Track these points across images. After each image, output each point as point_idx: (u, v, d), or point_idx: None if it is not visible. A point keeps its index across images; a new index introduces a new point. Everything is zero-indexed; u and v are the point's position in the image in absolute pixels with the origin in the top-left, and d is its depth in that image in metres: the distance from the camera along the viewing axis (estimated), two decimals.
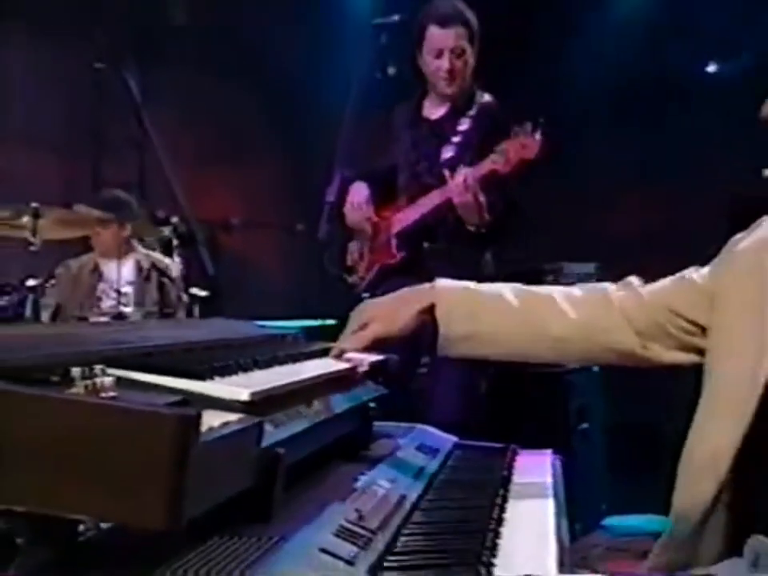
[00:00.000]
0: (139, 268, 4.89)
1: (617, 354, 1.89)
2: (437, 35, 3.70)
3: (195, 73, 6.32)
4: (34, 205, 4.40)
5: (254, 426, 1.21)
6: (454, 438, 2.16)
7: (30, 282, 4.44)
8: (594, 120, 6.36)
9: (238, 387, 1.29)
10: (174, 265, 4.86)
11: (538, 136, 3.37)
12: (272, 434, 1.28)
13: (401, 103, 3.98)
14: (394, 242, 3.71)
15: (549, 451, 2.11)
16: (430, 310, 1.91)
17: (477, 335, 1.92)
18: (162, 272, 4.84)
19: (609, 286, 1.93)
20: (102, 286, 4.87)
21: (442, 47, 3.69)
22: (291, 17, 6.58)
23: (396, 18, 3.84)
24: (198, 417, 1.03)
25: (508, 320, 1.93)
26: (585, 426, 4.40)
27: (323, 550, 1.18)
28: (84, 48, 5.59)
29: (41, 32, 5.92)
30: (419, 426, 2.14)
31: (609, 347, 1.89)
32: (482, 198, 3.44)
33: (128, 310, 4.71)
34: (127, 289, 4.80)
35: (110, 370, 1.21)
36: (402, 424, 2.11)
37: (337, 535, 1.25)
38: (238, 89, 6.53)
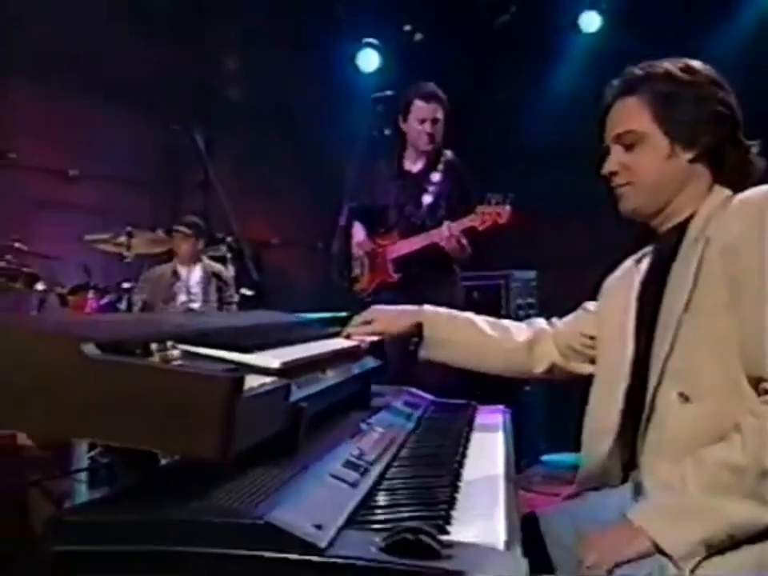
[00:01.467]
0: (205, 273, 4.90)
1: (549, 368, 1.92)
2: (422, 107, 3.66)
3: (244, 132, 6.31)
4: (128, 229, 4.43)
5: (283, 387, 1.21)
6: (431, 397, 2.16)
7: (125, 285, 4.46)
8: (540, 162, 6.25)
9: (272, 358, 1.28)
10: (228, 272, 4.88)
11: (507, 207, 3.34)
12: (297, 393, 1.27)
13: (383, 158, 3.92)
14: (390, 266, 3.67)
15: (501, 406, 2.11)
16: (418, 325, 1.96)
17: (448, 353, 1.98)
18: (220, 277, 4.86)
19: (543, 322, 1.96)
20: (178, 285, 4.87)
21: (426, 117, 3.65)
22: (314, 91, 6.58)
23: (389, 93, 3.80)
24: (242, 379, 1.03)
25: (472, 341, 1.96)
26: (528, 387, 4.41)
27: (333, 476, 1.18)
28: (166, 114, 5.57)
29: (134, 103, 5.90)
30: (405, 388, 2.13)
31: (544, 361, 1.92)
32: (464, 241, 3.44)
33: (196, 305, 4.72)
34: (196, 289, 4.82)
35: (179, 345, 1.20)
36: (393, 387, 2.11)
37: (344, 465, 1.24)
38: (274, 142, 6.51)
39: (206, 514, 0.97)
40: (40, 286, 4.30)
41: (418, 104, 3.68)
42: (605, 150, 1.63)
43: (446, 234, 3.40)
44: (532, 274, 4.82)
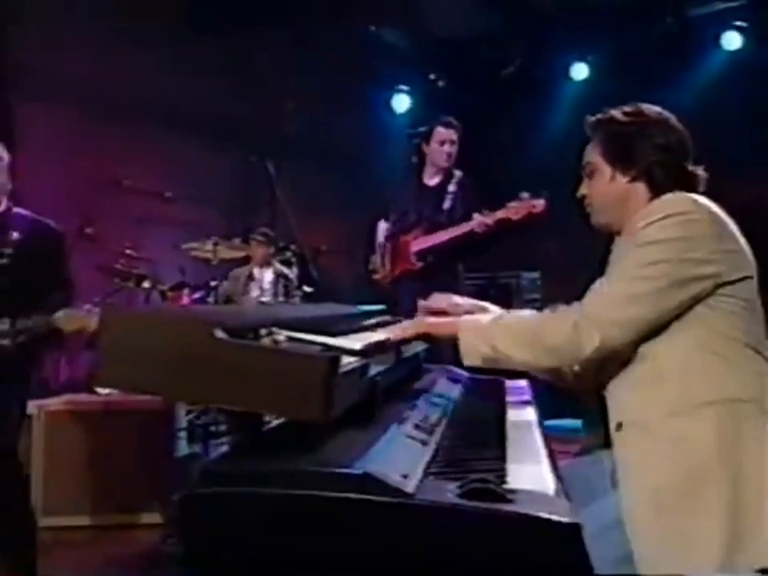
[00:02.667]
0: (274, 274, 4.90)
1: None
2: (442, 132, 3.64)
3: (301, 161, 6.30)
4: (214, 239, 4.45)
5: (364, 365, 1.21)
6: (466, 373, 2.14)
7: (212, 283, 4.47)
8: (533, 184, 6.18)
9: (354, 341, 1.28)
10: (291, 273, 4.88)
11: (542, 200, 3.27)
12: (373, 369, 1.27)
13: (406, 178, 3.88)
14: (413, 256, 3.59)
15: (523, 381, 2.09)
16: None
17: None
18: (286, 277, 4.85)
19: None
20: (252, 283, 4.87)
21: (445, 139, 3.63)
22: (356, 128, 6.59)
23: (422, 129, 3.77)
24: (338, 358, 1.04)
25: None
26: None
27: (408, 436, 1.18)
28: (241, 147, 5.62)
29: (215, 138, 5.96)
30: (445, 366, 2.12)
31: None
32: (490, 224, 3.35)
33: (266, 298, 4.72)
34: (267, 286, 4.81)
35: (281, 331, 1.20)
36: (435, 365, 2.09)
37: (414, 428, 1.24)
38: (324, 169, 6.53)
39: (317, 465, 0.97)
40: (146, 285, 4.34)
41: (440, 129, 3.66)
42: (579, 179, 1.68)
43: (478, 221, 3.32)
44: (537, 274, 4.79)
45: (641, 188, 1.56)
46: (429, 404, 1.47)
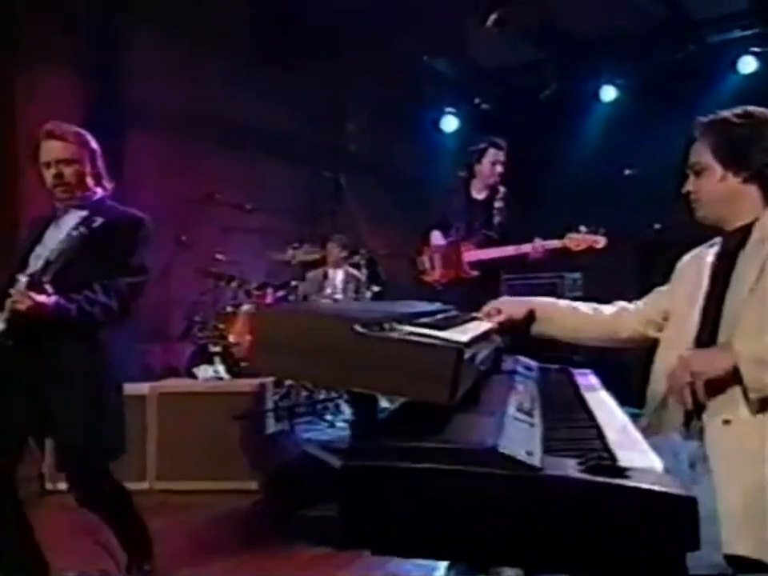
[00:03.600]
0: (345, 275, 4.93)
1: (631, 335, 1.81)
2: (494, 152, 3.63)
3: (361, 175, 6.28)
4: (294, 244, 4.50)
5: (473, 355, 1.19)
6: (535, 362, 2.11)
7: (293, 283, 4.52)
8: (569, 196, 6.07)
9: (460, 334, 1.26)
10: (360, 274, 4.90)
11: (602, 237, 3.27)
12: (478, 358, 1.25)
13: (454, 190, 3.84)
14: (467, 266, 3.56)
15: (588, 370, 2.04)
16: (531, 311, 1.88)
17: (554, 327, 1.89)
18: (356, 278, 4.87)
19: (624, 303, 1.86)
20: (326, 283, 4.90)
21: (496, 160, 3.62)
22: (409, 146, 6.61)
23: (478, 146, 3.72)
24: (463, 350, 1.03)
25: (570, 317, 1.88)
26: (576, 357, 4.26)
27: (516, 418, 1.16)
28: (311, 164, 5.69)
29: (288, 156, 6.04)
30: (518, 356, 2.09)
31: (627, 329, 1.82)
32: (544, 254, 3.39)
33: (338, 296, 4.75)
34: (339, 286, 4.84)
35: (398, 325, 1.19)
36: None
37: (518, 410, 1.22)
38: (382, 182, 6.54)
39: (452, 443, 0.97)
40: (234, 284, 4.41)
41: (492, 150, 3.64)
42: (685, 175, 1.62)
43: (536, 246, 3.32)
44: (578, 275, 4.72)
45: (753, 189, 1.51)
46: (519, 390, 1.44)
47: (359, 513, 0.95)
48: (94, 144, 2.16)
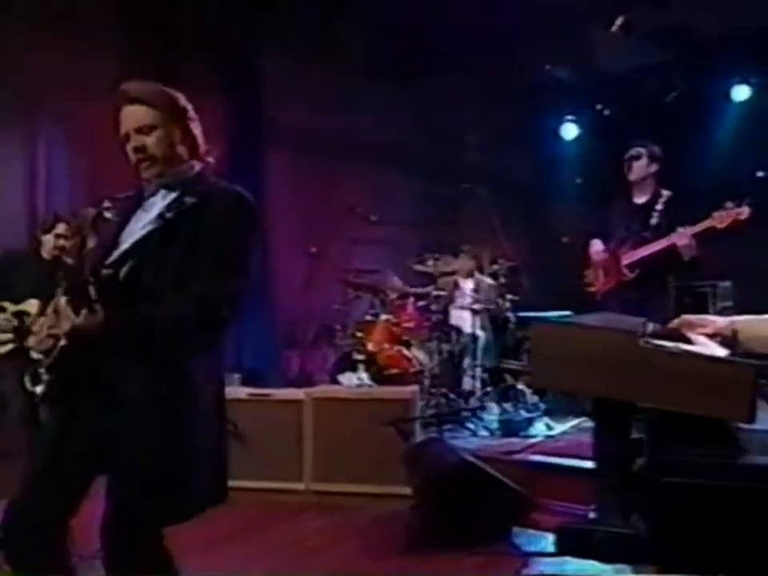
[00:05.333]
0: (476, 284, 4.98)
1: None
2: (648, 154, 3.55)
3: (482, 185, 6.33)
4: (435, 255, 4.59)
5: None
6: None
7: (434, 293, 4.63)
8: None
9: (718, 349, 1.28)
10: (492, 283, 4.91)
11: (746, 207, 3.13)
12: None
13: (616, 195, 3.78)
14: (625, 269, 3.51)
15: None
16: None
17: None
18: (486, 287, 4.90)
19: None
20: (457, 292, 4.97)
21: (651, 161, 3.55)
22: (530, 154, 6.63)
23: (634, 151, 3.60)
24: (759, 367, 1.06)
25: None
26: None
27: None
28: (433, 175, 5.81)
29: (411, 169, 6.21)
30: None
31: None
32: (693, 242, 3.27)
33: (466, 301, 4.82)
34: (469, 294, 4.90)
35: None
36: None
37: None
38: (506, 191, 6.40)
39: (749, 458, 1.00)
40: (381, 295, 4.56)
41: (645, 152, 3.57)
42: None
43: (680, 233, 3.24)
44: (729, 283, 4.58)
45: None
46: None
47: (676, 529, 0.96)
48: (184, 102, 1.67)
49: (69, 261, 3.11)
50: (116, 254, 1.57)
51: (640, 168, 3.60)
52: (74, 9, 4.45)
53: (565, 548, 2.19)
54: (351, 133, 5.90)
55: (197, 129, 1.68)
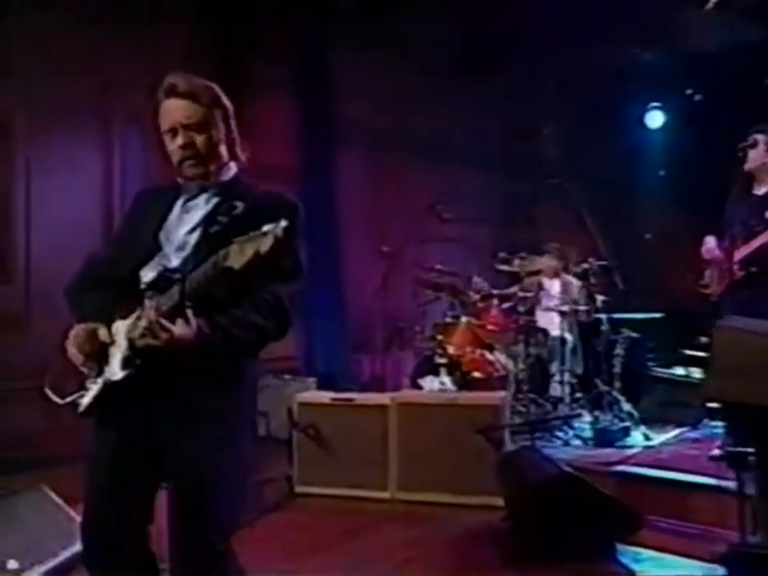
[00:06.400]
0: (562, 285, 4.80)
1: None
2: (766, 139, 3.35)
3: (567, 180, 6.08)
4: (521, 254, 4.45)
5: None
6: None
7: (520, 294, 4.49)
8: None
9: None
10: (577, 284, 4.72)
11: None
12: None
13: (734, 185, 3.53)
14: (736, 266, 3.27)
15: None
16: None
17: None
18: (572, 287, 4.73)
19: None
20: (542, 293, 4.81)
21: None
22: (612, 143, 6.34)
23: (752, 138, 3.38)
24: None
25: None
26: None
27: None
28: (507, 171, 5.64)
29: (484, 168, 6.08)
30: None
31: None
32: None
33: (554, 303, 4.66)
34: (555, 295, 4.74)
35: None
36: None
37: None
38: (584, 183, 6.17)
39: None
40: (452, 296, 4.44)
41: (763, 138, 3.35)
42: None
43: None
44: None
45: None
46: None
47: None
48: (226, 101, 1.64)
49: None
50: (174, 258, 1.54)
51: (758, 155, 3.36)
52: (147, 9, 4.51)
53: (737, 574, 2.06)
54: (424, 130, 5.81)
55: (235, 126, 1.67)
